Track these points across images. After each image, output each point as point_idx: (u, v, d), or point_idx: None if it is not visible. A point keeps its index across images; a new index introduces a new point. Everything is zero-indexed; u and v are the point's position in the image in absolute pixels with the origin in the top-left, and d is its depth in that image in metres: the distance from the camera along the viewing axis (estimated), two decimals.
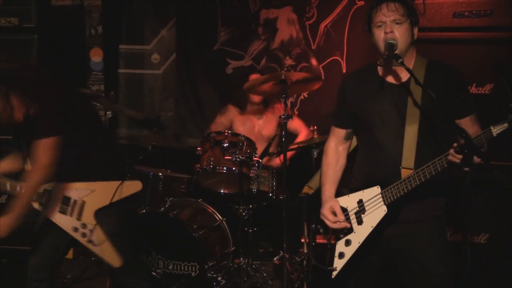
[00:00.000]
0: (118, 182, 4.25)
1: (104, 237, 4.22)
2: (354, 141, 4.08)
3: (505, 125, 3.10)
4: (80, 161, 4.22)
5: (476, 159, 3.11)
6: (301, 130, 6.64)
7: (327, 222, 3.72)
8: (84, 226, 4.21)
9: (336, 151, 3.95)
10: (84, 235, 4.22)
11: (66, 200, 4.22)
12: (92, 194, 4.23)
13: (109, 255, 4.25)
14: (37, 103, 3.98)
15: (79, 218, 4.22)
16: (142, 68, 8.11)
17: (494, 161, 5.05)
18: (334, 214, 3.71)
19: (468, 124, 3.47)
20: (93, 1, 7.80)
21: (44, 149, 3.95)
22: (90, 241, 4.21)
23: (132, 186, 4.31)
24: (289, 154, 6.07)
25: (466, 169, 3.16)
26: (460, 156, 3.16)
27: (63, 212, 4.21)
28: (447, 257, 3.63)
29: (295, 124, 6.60)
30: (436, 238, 3.62)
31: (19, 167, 4.33)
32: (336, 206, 3.72)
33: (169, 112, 8.05)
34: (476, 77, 5.37)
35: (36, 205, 4.23)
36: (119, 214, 4.32)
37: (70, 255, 6.57)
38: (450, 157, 3.20)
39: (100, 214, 4.22)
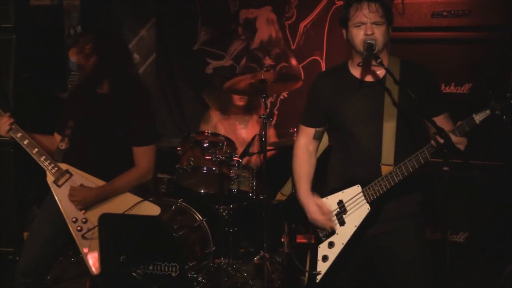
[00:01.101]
0: (138, 198, 4.33)
1: (97, 239, 4.22)
2: (323, 143, 4.10)
3: (487, 111, 3.14)
4: (117, 167, 4.31)
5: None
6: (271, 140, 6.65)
7: (318, 218, 3.71)
8: (85, 221, 4.24)
9: (306, 150, 3.95)
10: (80, 229, 4.23)
11: None
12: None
13: (92, 259, 4.26)
14: (134, 107, 4.26)
15: (84, 212, 4.27)
16: None
17: (473, 160, 5.08)
18: (321, 208, 3.71)
19: (443, 122, 3.51)
20: (72, 1, 7.76)
21: (146, 154, 4.32)
22: (83, 237, 4.22)
23: (150, 209, 4.38)
24: (268, 154, 6.08)
25: (445, 168, 3.17)
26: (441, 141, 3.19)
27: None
28: (426, 254, 3.65)
29: (270, 133, 6.60)
30: (414, 235, 3.65)
31: (53, 147, 4.42)
32: (319, 201, 3.73)
33: None
34: (455, 77, 5.39)
35: (49, 179, 4.30)
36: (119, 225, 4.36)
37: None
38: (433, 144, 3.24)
39: (104, 218, 4.23)
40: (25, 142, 4.25)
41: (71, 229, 4.24)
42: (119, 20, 8.00)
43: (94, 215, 4.23)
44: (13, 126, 4.24)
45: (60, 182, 4.26)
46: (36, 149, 4.26)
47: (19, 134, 4.25)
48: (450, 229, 5.43)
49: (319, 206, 3.70)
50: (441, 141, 3.19)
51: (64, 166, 4.29)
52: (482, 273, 5.36)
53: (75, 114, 4.33)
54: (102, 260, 4.22)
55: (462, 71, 5.38)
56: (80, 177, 4.27)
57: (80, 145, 4.30)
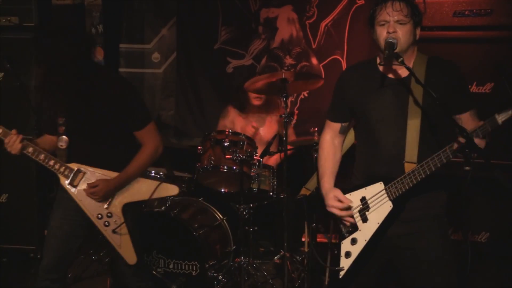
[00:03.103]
0: (156, 182, 4.35)
1: (126, 231, 4.28)
2: (349, 140, 4.09)
3: (510, 112, 3.10)
4: (124, 154, 4.32)
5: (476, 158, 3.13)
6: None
7: (335, 211, 3.70)
8: (110, 215, 4.27)
9: (332, 144, 3.95)
10: (107, 224, 4.27)
11: None
12: (127, 187, 4.33)
13: (127, 250, 4.30)
14: (120, 99, 4.22)
15: (107, 207, 4.29)
16: (142, 67, 8.12)
17: (494, 160, 5.06)
18: (340, 202, 3.71)
19: (469, 119, 3.50)
20: (94, 0, 7.80)
21: (149, 134, 4.32)
22: (113, 231, 4.25)
23: (169, 189, 4.40)
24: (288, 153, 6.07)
25: (467, 168, 3.16)
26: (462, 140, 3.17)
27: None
28: (449, 256, 3.62)
29: (289, 132, 6.60)
30: (438, 237, 3.62)
31: (52, 147, 4.42)
32: (339, 194, 3.71)
33: (170, 111, 8.06)
34: (477, 76, 5.38)
35: (63, 181, 4.31)
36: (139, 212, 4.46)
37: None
38: (455, 144, 3.23)
39: (128, 208, 4.30)
40: (29, 150, 4.27)
41: (98, 226, 4.26)
42: (140, 19, 8.03)
43: (117, 207, 4.27)
44: (23, 143, 4.25)
45: (75, 182, 4.28)
46: (43, 155, 4.27)
47: (30, 149, 4.28)
48: (471, 229, 5.41)
49: (339, 199, 3.70)
50: (463, 140, 3.17)
51: (74, 165, 4.29)
52: (503, 273, 5.34)
53: (62, 111, 4.30)
54: (136, 249, 4.31)
55: (484, 70, 5.37)
56: (93, 173, 4.28)
57: (80, 141, 4.30)
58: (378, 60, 3.72)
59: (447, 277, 3.59)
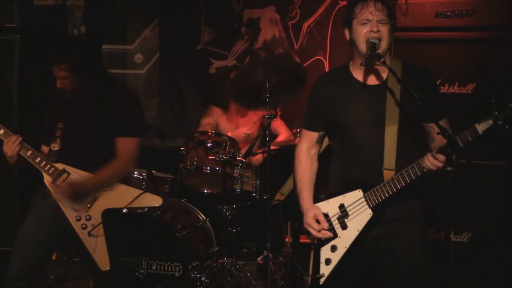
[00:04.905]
0: (139, 191, 4.33)
1: (103, 235, 4.25)
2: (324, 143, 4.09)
3: (490, 121, 3.11)
4: (109, 159, 4.30)
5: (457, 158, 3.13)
6: (281, 131, 6.66)
7: (312, 231, 3.70)
8: (88, 218, 4.25)
9: (308, 155, 3.94)
10: (84, 226, 4.24)
11: None
12: (109, 192, 4.32)
13: (101, 255, 4.26)
14: (120, 104, 4.31)
15: (87, 209, 4.26)
16: (125, 68, 8.09)
17: (476, 160, 5.08)
18: (318, 222, 3.70)
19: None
20: (76, 0, 7.76)
21: (129, 146, 4.34)
22: (89, 234, 4.22)
23: (153, 200, 4.38)
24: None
25: (449, 168, 3.17)
26: (442, 158, 3.17)
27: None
28: (428, 254, 3.64)
29: (277, 124, 6.60)
30: (418, 237, 3.64)
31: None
32: (319, 214, 3.71)
33: (152, 112, 8.03)
34: (459, 77, 5.39)
35: (47, 181, 4.30)
36: (120, 219, 4.42)
37: (53, 256, 6.54)
38: (428, 162, 3.23)
39: (107, 214, 4.26)
40: (27, 154, 4.28)
41: (75, 228, 4.24)
42: (123, 20, 8.00)
43: (97, 212, 4.24)
44: (22, 145, 4.26)
45: (58, 182, 4.26)
46: (30, 152, 4.26)
47: (29, 152, 4.29)
48: (454, 229, 5.43)
49: (318, 220, 3.70)
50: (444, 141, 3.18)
51: (60, 166, 4.29)
52: (485, 274, 5.35)
53: (62, 116, 4.33)
54: (111, 256, 4.24)
55: (466, 71, 5.38)
56: (78, 175, 4.27)
57: (72, 144, 4.31)
58: (352, 65, 3.72)
59: (428, 275, 3.61)
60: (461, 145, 3.16)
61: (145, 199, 4.31)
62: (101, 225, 4.22)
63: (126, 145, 4.32)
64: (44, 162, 4.27)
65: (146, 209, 5.57)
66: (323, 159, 4.04)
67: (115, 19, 8.05)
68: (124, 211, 4.27)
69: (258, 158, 6.37)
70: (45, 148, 4.49)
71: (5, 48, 6.09)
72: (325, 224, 3.67)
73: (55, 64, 4.21)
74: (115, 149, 4.32)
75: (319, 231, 3.67)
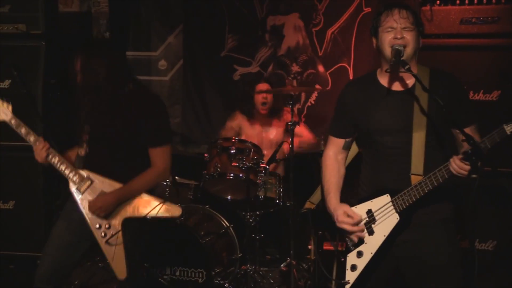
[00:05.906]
0: (159, 200, 4.31)
1: (122, 244, 4.23)
2: (353, 149, 4.07)
3: None
4: (137, 168, 4.29)
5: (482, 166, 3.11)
6: (304, 134, 6.65)
7: (347, 227, 3.64)
8: (108, 227, 4.24)
9: (335, 160, 3.91)
10: (104, 235, 4.24)
11: None
12: (129, 201, 4.29)
13: (119, 264, 4.25)
14: (147, 111, 4.26)
15: (107, 217, 4.26)
16: (149, 75, 8.13)
17: (501, 168, 5.05)
18: (350, 217, 3.68)
19: (470, 134, 3.47)
20: (101, 7, 7.82)
21: (162, 154, 4.31)
22: (107, 243, 4.23)
23: (172, 210, 4.34)
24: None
25: (474, 176, 3.15)
26: (467, 167, 3.16)
27: None
28: (457, 261, 3.60)
29: (300, 129, 6.59)
30: (446, 242, 3.60)
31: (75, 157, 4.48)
32: (348, 209, 3.67)
33: (176, 118, 8.06)
34: (484, 84, 5.36)
35: (72, 188, 4.32)
36: (140, 229, 4.38)
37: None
38: (454, 165, 3.22)
39: (128, 223, 4.26)
40: (54, 160, 4.31)
41: (95, 235, 4.25)
42: (147, 26, 8.06)
43: (116, 220, 4.24)
44: (49, 151, 4.30)
45: (82, 189, 4.28)
46: (57, 158, 4.29)
47: (56, 159, 4.32)
48: (479, 237, 5.40)
49: (349, 215, 3.67)
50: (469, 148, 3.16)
51: (85, 172, 4.30)
52: (510, 282, 5.31)
53: (89, 120, 4.34)
54: (128, 265, 4.24)
55: (491, 78, 5.35)
56: (101, 183, 4.27)
57: (98, 150, 4.31)
58: (379, 72, 3.71)
59: (454, 282, 3.57)
60: (489, 146, 3.16)
61: (165, 209, 4.29)
62: (120, 234, 4.22)
63: (160, 155, 4.31)
64: (69, 169, 4.29)
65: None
66: (353, 167, 4.03)
67: (139, 25, 8.10)
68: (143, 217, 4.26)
69: (287, 148, 6.34)
70: (72, 153, 4.51)
71: (31, 55, 6.13)
72: (357, 216, 3.64)
73: (90, 56, 4.24)
74: (150, 159, 4.32)
75: (353, 225, 3.65)
